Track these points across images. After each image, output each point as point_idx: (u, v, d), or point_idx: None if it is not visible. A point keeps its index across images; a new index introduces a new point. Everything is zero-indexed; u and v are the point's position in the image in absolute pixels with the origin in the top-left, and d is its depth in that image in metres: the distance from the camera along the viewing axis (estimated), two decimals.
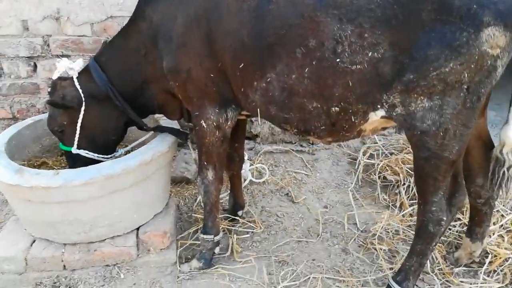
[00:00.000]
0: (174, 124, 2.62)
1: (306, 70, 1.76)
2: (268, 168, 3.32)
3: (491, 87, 1.69)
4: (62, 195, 2.06)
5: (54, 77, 2.27)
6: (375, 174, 3.27)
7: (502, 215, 2.64)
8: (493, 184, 2.02)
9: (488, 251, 2.43)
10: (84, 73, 2.27)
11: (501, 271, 2.37)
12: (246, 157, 3.27)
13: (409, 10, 1.57)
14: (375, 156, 3.38)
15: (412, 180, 3.06)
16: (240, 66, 1.88)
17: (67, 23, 2.94)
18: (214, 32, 1.90)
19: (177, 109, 2.35)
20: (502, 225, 2.59)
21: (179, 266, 2.41)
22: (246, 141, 3.41)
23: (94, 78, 2.22)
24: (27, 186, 2.01)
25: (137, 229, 2.41)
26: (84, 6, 2.91)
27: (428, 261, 2.33)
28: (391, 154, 3.36)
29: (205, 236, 2.37)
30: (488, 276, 2.35)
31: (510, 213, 2.65)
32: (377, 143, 3.48)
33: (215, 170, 2.25)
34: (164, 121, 2.63)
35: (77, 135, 2.26)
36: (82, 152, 2.29)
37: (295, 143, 3.57)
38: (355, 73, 1.68)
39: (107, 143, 2.37)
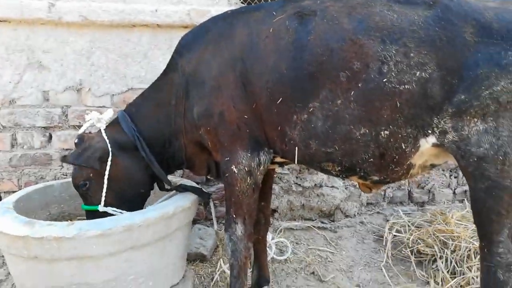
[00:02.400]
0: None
1: (352, 94, 1.71)
2: (289, 245, 3.04)
3: None
4: (74, 249, 1.80)
5: (81, 130, 2.22)
6: (406, 250, 3.00)
7: None
8: None
9: None
10: (112, 124, 2.23)
11: None
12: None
13: (451, 32, 1.60)
14: (402, 231, 3.15)
15: (449, 252, 2.82)
16: (278, 102, 1.84)
17: (88, 94, 2.97)
18: (249, 72, 1.90)
19: (204, 163, 2.24)
20: None
21: None
22: None
23: (122, 129, 2.16)
24: (37, 237, 1.77)
25: None
26: (106, 78, 2.98)
27: None
28: (419, 227, 3.14)
29: None
30: None
31: None
32: (402, 218, 3.28)
33: (245, 224, 2.04)
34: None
35: (104, 190, 2.10)
36: (110, 210, 2.10)
37: (315, 219, 3.35)
38: (403, 93, 1.64)
39: (136, 197, 2.20)
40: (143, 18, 2.93)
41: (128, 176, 2.16)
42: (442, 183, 3.62)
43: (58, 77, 2.93)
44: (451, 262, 2.75)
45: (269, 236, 2.96)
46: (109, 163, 2.10)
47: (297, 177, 3.32)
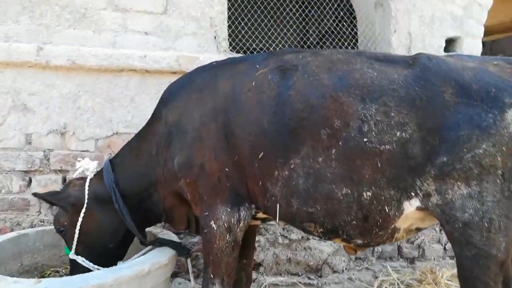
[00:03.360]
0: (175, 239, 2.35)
1: (333, 152, 1.68)
2: None
3: None
4: None
5: (74, 176, 2.27)
6: None
7: None
8: None
9: None
10: (99, 174, 2.20)
11: None
12: None
13: (430, 92, 1.59)
14: None
15: None
16: (260, 156, 1.79)
17: (72, 138, 2.91)
18: (232, 124, 1.87)
19: (184, 217, 2.16)
20: None
21: None
22: None
23: (103, 179, 2.12)
24: None
25: None
26: (92, 122, 2.93)
27: None
28: (409, 286, 3.02)
29: None
30: None
31: None
32: (391, 275, 3.16)
33: (223, 285, 1.93)
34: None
35: (75, 239, 2.07)
36: (79, 259, 2.05)
37: (301, 275, 3.21)
38: (384, 153, 1.62)
39: (104, 252, 2.12)
40: (131, 63, 2.93)
41: (97, 229, 2.11)
42: (432, 238, 3.53)
43: (42, 120, 2.87)
44: None
45: None
46: (81, 214, 2.07)
47: (283, 229, 3.22)
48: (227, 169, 1.89)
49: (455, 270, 3.10)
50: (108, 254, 2.12)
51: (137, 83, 3.00)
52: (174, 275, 3.01)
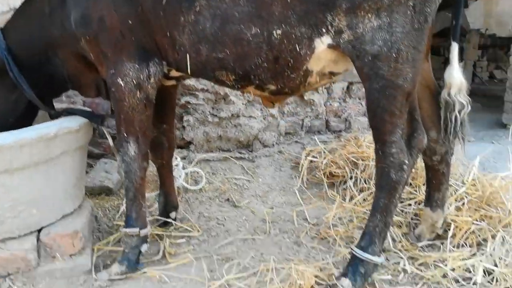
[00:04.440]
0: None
1: None
2: (205, 175, 2.96)
3: (435, 8, 1.61)
4: None
5: None
6: (320, 173, 3.04)
7: (456, 189, 2.50)
8: (448, 133, 1.90)
9: (450, 222, 2.23)
10: None
11: (465, 242, 2.16)
12: (178, 160, 2.91)
13: None
14: (318, 157, 3.18)
15: (359, 172, 2.89)
16: (164, 2, 1.65)
17: None
18: None
19: (91, 82, 2.03)
20: (457, 198, 2.43)
21: (95, 275, 1.90)
22: (178, 150, 3.09)
23: None
24: None
25: (39, 231, 1.90)
26: None
27: (389, 236, 2.10)
28: (334, 151, 3.18)
29: (128, 230, 1.93)
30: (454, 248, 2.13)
31: (462, 185, 2.51)
32: (319, 145, 3.30)
33: (138, 143, 1.89)
34: None
35: None
36: None
37: (233, 150, 3.27)
38: None
39: (3, 128, 1.93)
40: None
41: None
42: (358, 112, 3.67)
43: None
44: (360, 181, 2.83)
45: (180, 164, 2.85)
46: None
47: (212, 108, 3.18)
48: (130, 22, 1.74)
49: None
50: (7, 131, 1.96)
51: None
52: (100, 156, 2.95)
